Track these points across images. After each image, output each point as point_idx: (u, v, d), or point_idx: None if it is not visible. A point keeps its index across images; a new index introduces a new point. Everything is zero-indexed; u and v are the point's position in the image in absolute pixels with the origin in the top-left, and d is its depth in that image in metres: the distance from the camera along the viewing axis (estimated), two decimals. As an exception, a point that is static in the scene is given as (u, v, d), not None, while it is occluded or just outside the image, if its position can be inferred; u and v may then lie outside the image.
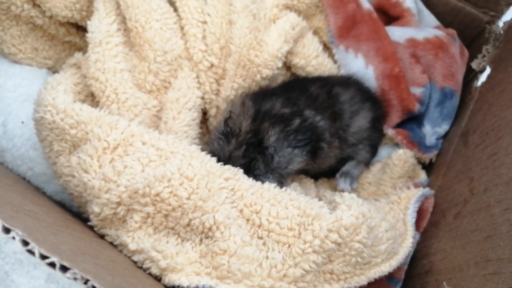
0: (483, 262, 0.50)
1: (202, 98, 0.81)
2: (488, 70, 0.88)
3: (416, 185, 0.80)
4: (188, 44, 0.79)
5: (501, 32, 0.89)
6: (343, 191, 0.78)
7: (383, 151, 0.89)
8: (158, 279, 0.56)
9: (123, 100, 0.74)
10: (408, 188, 0.77)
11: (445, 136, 0.89)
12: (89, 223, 0.63)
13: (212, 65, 0.80)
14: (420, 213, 0.73)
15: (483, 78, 0.88)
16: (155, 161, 0.60)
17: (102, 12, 0.77)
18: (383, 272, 0.61)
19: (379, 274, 0.61)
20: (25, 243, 0.32)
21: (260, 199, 0.59)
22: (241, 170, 0.63)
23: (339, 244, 0.57)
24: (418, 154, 0.84)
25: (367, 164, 0.86)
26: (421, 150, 0.84)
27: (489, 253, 0.50)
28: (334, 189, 0.83)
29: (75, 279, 0.32)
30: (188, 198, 0.57)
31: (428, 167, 0.88)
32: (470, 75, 0.93)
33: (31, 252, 0.31)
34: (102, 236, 0.62)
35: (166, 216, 0.58)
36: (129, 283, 0.35)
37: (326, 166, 0.82)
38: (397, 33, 0.90)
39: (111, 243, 0.61)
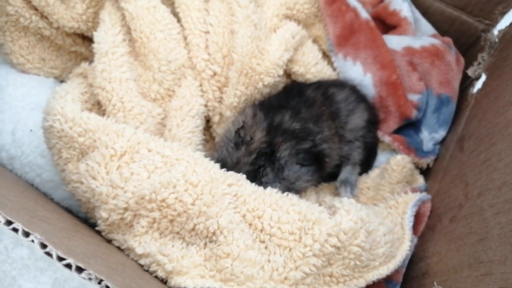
0: (476, 264, 0.52)
1: (205, 105, 0.83)
2: (483, 77, 0.90)
3: (414, 190, 0.81)
4: (191, 54, 0.82)
5: (496, 40, 0.92)
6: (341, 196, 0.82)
7: (381, 157, 0.91)
8: (164, 282, 0.58)
9: (129, 108, 0.76)
10: (406, 193, 0.79)
11: (442, 141, 0.91)
12: (96, 228, 0.65)
13: (215, 74, 0.82)
14: (417, 217, 0.75)
15: (478, 85, 0.90)
16: (161, 167, 0.62)
17: (107, 23, 0.80)
18: (381, 275, 0.63)
19: (377, 277, 0.63)
20: (43, 245, 0.34)
21: (262, 205, 0.61)
22: (244, 176, 0.65)
23: (338, 248, 0.59)
24: (415, 159, 0.86)
25: (361, 165, 0.88)
26: (418, 155, 0.87)
27: (481, 255, 0.52)
28: (334, 193, 0.85)
29: (89, 279, 0.34)
30: (193, 204, 0.59)
31: (425, 172, 0.90)
32: (466, 82, 0.95)
33: (48, 254, 0.33)
34: (109, 241, 0.64)
35: (171, 221, 0.60)
36: (138, 284, 0.37)
37: (331, 168, 0.85)
38: (394, 41, 0.92)
39: (118, 247, 0.63)
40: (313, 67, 0.90)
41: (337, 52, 0.92)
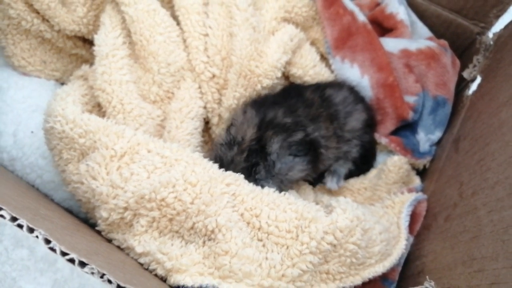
0: (469, 261, 0.53)
1: (204, 107, 0.84)
2: (478, 79, 0.91)
3: (410, 190, 0.83)
4: (190, 56, 0.83)
5: (491, 42, 0.93)
6: (330, 189, 0.84)
7: (378, 158, 0.92)
8: (163, 279, 0.59)
9: (129, 110, 0.77)
10: (402, 193, 0.81)
11: (438, 143, 0.92)
12: (96, 228, 0.66)
13: (213, 76, 0.83)
14: (413, 217, 0.76)
15: (474, 87, 0.91)
16: (160, 168, 0.63)
17: (108, 27, 0.81)
18: (377, 273, 0.64)
19: (373, 275, 0.64)
20: (47, 241, 0.35)
21: (260, 203, 0.62)
22: (242, 176, 0.66)
23: (334, 246, 0.60)
24: (412, 160, 0.88)
25: (361, 165, 0.89)
26: (415, 156, 0.88)
27: (474, 252, 0.53)
28: (332, 194, 0.87)
29: (92, 273, 0.35)
30: (192, 203, 0.60)
31: (422, 172, 0.91)
32: (462, 84, 0.97)
33: (52, 249, 0.34)
34: (109, 240, 0.65)
35: (171, 220, 0.61)
36: (139, 281, 0.38)
37: (326, 167, 0.86)
38: (391, 44, 0.93)
39: (118, 246, 0.64)
40: (311, 69, 0.91)
41: (335, 54, 0.93)
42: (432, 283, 0.37)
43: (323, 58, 0.96)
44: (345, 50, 0.92)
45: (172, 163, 0.64)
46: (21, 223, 0.35)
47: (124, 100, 0.77)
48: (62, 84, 0.91)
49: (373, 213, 0.71)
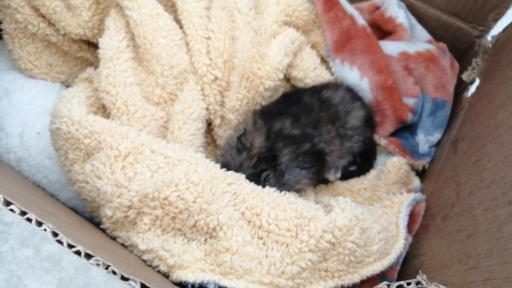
0: (465, 259, 0.54)
1: (207, 109, 0.86)
2: (477, 82, 0.92)
3: (410, 191, 0.84)
4: (193, 59, 0.84)
5: (489, 45, 0.94)
6: (328, 180, 0.86)
7: (378, 159, 0.93)
8: (166, 276, 0.60)
9: (133, 111, 0.79)
10: (401, 193, 0.82)
11: (437, 144, 0.93)
12: (101, 226, 0.67)
13: (216, 78, 0.85)
14: (412, 216, 0.77)
15: (472, 89, 0.92)
16: (163, 168, 0.65)
17: (112, 30, 0.82)
18: (375, 271, 0.65)
19: (372, 273, 0.65)
20: (55, 234, 0.36)
21: (261, 202, 0.64)
22: (243, 176, 0.68)
23: (333, 244, 0.61)
24: (411, 161, 0.89)
25: (362, 164, 0.91)
26: (414, 157, 0.89)
27: (470, 250, 0.54)
28: (332, 194, 0.88)
29: (97, 265, 0.36)
30: (194, 202, 0.61)
31: (421, 173, 0.92)
32: (461, 86, 0.98)
33: (59, 242, 0.36)
34: (113, 238, 0.67)
35: (173, 218, 0.63)
36: (142, 275, 0.39)
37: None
38: (390, 47, 0.95)
39: (122, 244, 0.66)
40: (311, 72, 0.93)
41: (335, 57, 0.94)
42: (424, 277, 0.39)
43: (324, 61, 0.97)
44: (345, 53, 0.93)
45: (175, 163, 0.65)
46: (30, 217, 0.36)
47: (128, 102, 0.79)
48: (67, 86, 0.92)
49: (372, 213, 0.72)
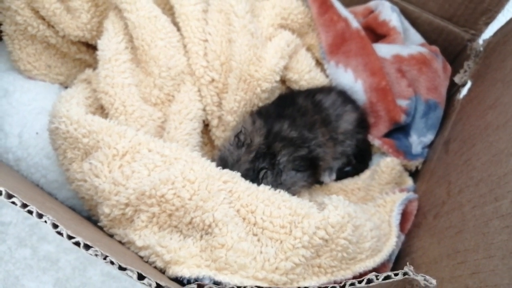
0: (453, 254, 0.56)
1: (204, 109, 0.87)
2: (469, 84, 0.94)
3: (402, 191, 0.85)
4: (190, 61, 0.85)
5: (481, 49, 0.96)
6: (323, 182, 0.88)
7: (372, 159, 0.95)
8: (162, 271, 0.62)
9: (130, 112, 0.80)
10: (394, 193, 0.83)
11: (430, 145, 0.95)
12: (99, 224, 0.69)
13: (213, 80, 0.86)
14: (404, 215, 0.79)
15: (464, 91, 0.94)
16: (160, 166, 0.66)
17: (111, 32, 0.83)
18: (367, 268, 0.67)
19: (364, 269, 0.66)
20: (55, 225, 0.37)
21: (255, 200, 0.65)
22: (239, 174, 0.69)
23: (326, 240, 0.62)
24: (404, 162, 0.90)
25: (357, 164, 0.92)
26: (407, 158, 0.91)
27: (458, 245, 0.56)
28: (326, 194, 0.89)
29: (96, 255, 0.38)
30: (190, 199, 0.63)
31: (415, 174, 0.93)
32: (453, 88, 1.00)
33: (59, 233, 0.37)
34: (111, 236, 0.68)
35: (170, 215, 0.64)
36: (139, 268, 0.40)
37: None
38: (383, 49, 0.97)
39: (119, 241, 0.67)
40: (306, 74, 0.94)
41: (329, 59, 0.96)
42: (411, 268, 0.40)
43: (318, 63, 0.99)
44: (339, 55, 0.95)
45: (171, 161, 0.67)
46: (31, 209, 0.38)
47: (126, 102, 0.80)
48: (66, 87, 0.93)
49: (365, 211, 0.73)
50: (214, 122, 0.89)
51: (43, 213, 0.37)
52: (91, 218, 0.74)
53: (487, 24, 0.96)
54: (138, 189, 0.63)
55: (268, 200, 0.65)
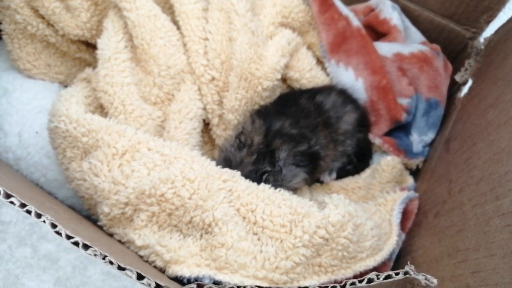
0: (454, 253, 0.55)
1: (204, 108, 0.87)
2: (470, 82, 0.94)
3: (403, 189, 0.85)
4: (190, 59, 0.85)
5: (482, 47, 0.96)
6: (323, 181, 0.87)
7: (373, 158, 0.95)
8: (162, 271, 0.61)
9: (130, 111, 0.80)
10: (395, 192, 0.83)
11: (431, 143, 0.95)
12: (98, 223, 0.68)
13: (213, 78, 0.86)
14: (405, 214, 0.79)
15: (465, 90, 0.94)
16: (160, 165, 0.66)
17: (110, 31, 0.83)
18: (368, 267, 0.66)
19: (364, 268, 0.66)
20: (53, 225, 0.37)
21: (256, 199, 0.65)
22: (239, 173, 0.69)
23: (326, 239, 0.62)
24: (405, 160, 0.90)
25: (358, 163, 0.92)
26: (407, 157, 0.90)
27: (459, 244, 0.56)
28: (327, 193, 0.89)
29: (95, 255, 0.38)
30: (190, 198, 0.63)
31: (415, 173, 0.93)
32: (454, 87, 0.99)
33: (58, 233, 0.37)
34: (110, 235, 0.68)
35: (169, 214, 0.64)
36: (138, 268, 0.40)
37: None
38: (384, 48, 0.96)
39: (119, 241, 0.67)
40: (307, 72, 0.94)
41: (330, 58, 0.96)
42: (412, 267, 0.40)
43: (319, 61, 0.98)
44: (340, 54, 0.95)
45: (171, 160, 0.67)
46: (30, 209, 0.37)
47: (126, 101, 0.80)
48: (66, 86, 0.93)
49: (365, 210, 0.73)
50: (215, 120, 0.89)
51: (41, 213, 0.37)
52: (91, 218, 0.73)
53: (488, 22, 0.96)
54: (138, 188, 0.63)
55: (268, 199, 0.65)
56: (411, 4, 1.03)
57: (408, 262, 0.40)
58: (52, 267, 0.96)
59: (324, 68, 0.97)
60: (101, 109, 0.83)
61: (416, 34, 1.03)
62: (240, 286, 0.47)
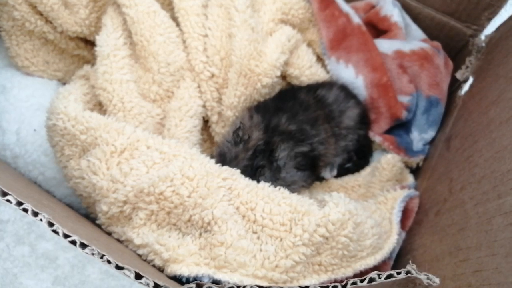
0: (455, 252, 0.55)
1: (204, 106, 0.86)
2: (471, 80, 0.93)
3: (403, 188, 0.84)
4: (190, 56, 0.84)
5: (483, 44, 0.95)
6: (323, 178, 0.87)
7: (373, 156, 0.94)
8: (161, 270, 0.61)
9: (129, 108, 0.79)
10: (395, 190, 0.83)
11: (432, 141, 0.94)
12: (97, 222, 0.68)
13: (213, 75, 0.85)
14: (405, 213, 0.78)
15: (466, 87, 0.93)
16: (159, 163, 0.66)
17: (109, 28, 0.83)
18: (368, 265, 0.66)
19: (365, 267, 0.66)
20: (50, 224, 0.37)
21: (255, 197, 0.64)
22: (238, 171, 0.69)
23: (326, 238, 0.61)
24: (405, 158, 0.89)
25: (358, 160, 0.92)
26: (408, 155, 0.90)
27: (460, 243, 0.55)
28: (326, 191, 0.89)
29: (92, 254, 0.37)
30: (189, 196, 0.62)
31: (416, 171, 0.93)
32: (455, 85, 0.99)
33: (55, 232, 0.36)
34: (109, 234, 0.67)
35: (168, 213, 0.63)
36: (137, 267, 0.40)
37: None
38: (385, 45, 0.96)
39: (117, 239, 0.66)
40: (307, 69, 0.93)
41: (330, 55, 0.95)
42: (414, 266, 0.39)
43: (319, 59, 0.98)
44: (340, 51, 0.94)
45: (170, 158, 0.66)
46: (26, 207, 0.37)
47: (125, 98, 0.79)
48: (64, 84, 0.93)
49: (366, 208, 0.73)
50: (214, 118, 0.88)
51: (38, 211, 0.36)
52: (89, 216, 0.73)
53: (489, 19, 0.95)
54: (137, 187, 0.63)
55: (268, 198, 0.65)
56: (412, 1, 1.02)
57: (410, 261, 0.40)
58: (50, 266, 0.96)
59: (324, 65, 0.96)
60: (99, 107, 0.82)
61: (416, 31, 1.03)
62: (240, 285, 0.47)
